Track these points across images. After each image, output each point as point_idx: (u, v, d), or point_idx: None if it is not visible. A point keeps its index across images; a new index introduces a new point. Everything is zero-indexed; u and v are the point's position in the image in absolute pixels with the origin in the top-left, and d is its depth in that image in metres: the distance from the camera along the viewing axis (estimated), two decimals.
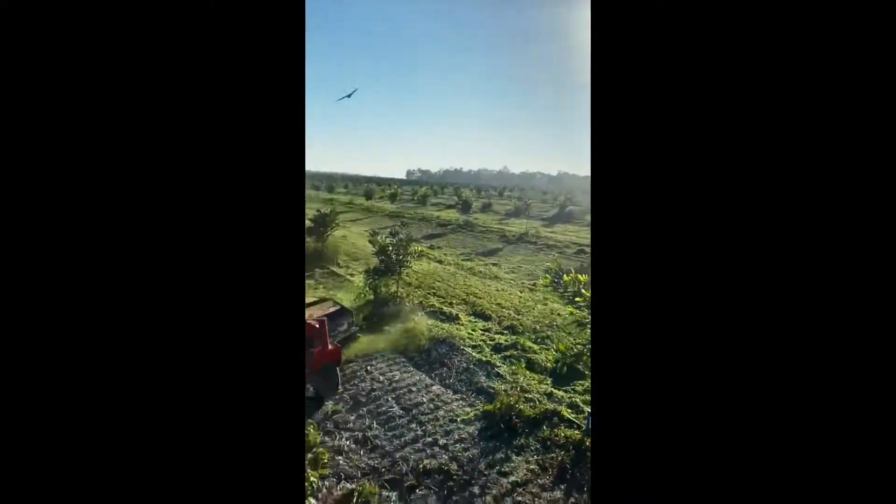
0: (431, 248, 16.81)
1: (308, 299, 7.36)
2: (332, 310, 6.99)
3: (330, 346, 5.68)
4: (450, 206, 33.89)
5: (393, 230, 9.57)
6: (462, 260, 14.94)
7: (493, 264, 14.32)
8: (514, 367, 6.36)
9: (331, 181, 72.99)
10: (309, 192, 53.59)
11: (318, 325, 5.54)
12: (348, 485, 3.93)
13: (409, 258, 9.02)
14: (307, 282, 10.76)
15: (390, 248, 8.49)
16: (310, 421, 4.81)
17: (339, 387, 5.63)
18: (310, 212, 14.03)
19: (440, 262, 14.51)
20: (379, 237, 8.69)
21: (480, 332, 7.85)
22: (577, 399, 5.50)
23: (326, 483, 3.87)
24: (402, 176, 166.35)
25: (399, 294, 9.08)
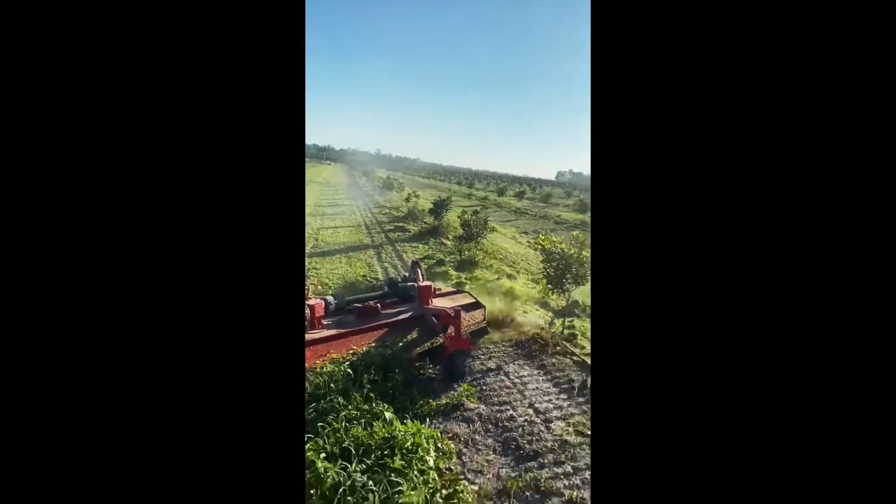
0: (536, 237, 20.02)
1: (445, 288, 8.61)
2: (466, 302, 7.47)
3: (463, 337, 6.02)
4: (578, 209, 36.00)
5: (474, 211, 13.51)
6: None
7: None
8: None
9: (476, 178, 79.30)
10: (452, 186, 60.44)
11: (453, 315, 5.91)
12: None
13: (483, 231, 13.06)
14: (424, 246, 15.27)
15: (471, 223, 12.50)
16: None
17: (465, 377, 5.97)
18: (435, 198, 18.69)
19: (535, 249, 17.68)
20: (465, 215, 12.82)
21: (529, 287, 11.05)
22: (576, 329, 8.42)
23: None
24: (552, 177, 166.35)
25: (476, 255, 12.89)
